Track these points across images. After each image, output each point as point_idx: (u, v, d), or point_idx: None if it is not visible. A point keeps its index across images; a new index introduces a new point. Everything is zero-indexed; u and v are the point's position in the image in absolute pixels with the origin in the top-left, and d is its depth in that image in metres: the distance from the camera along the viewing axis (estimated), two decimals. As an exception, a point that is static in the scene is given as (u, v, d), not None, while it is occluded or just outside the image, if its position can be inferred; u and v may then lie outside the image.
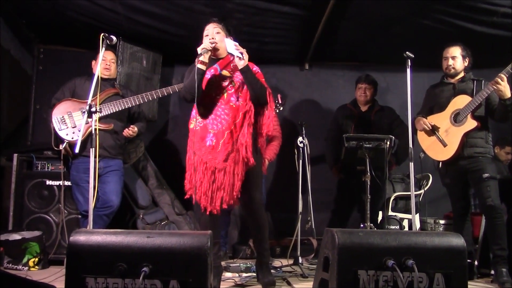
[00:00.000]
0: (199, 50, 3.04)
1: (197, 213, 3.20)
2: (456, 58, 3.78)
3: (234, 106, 3.10)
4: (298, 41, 5.01)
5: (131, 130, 3.91)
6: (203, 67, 3.03)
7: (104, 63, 3.90)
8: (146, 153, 4.93)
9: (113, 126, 3.84)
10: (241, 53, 3.00)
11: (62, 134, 3.78)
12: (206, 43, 3.09)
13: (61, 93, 3.93)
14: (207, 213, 3.07)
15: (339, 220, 4.41)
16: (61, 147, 3.79)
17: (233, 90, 3.13)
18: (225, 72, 3.18)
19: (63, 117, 3.80)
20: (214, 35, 3.17)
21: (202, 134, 3.11)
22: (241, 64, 3.02)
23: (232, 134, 3.07)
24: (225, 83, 3.15)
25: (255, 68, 3.18)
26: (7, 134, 4.75)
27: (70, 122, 3.80)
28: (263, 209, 3.32)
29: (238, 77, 3.15)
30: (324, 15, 4.26)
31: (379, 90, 4.68)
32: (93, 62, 4.00)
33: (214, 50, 3.13)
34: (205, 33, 3.20)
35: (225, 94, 3.13)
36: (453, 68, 3.78)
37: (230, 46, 3.01)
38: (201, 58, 3.02)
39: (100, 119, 3.71)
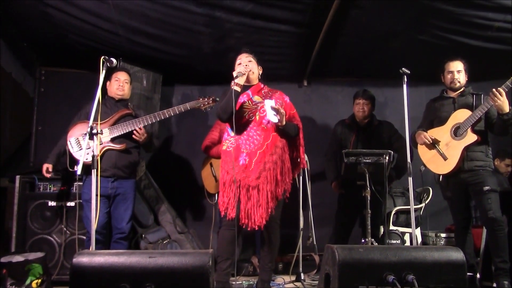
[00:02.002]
0: (234, 74, 3.30)
1: (223, 227, 3.33)
2: (460, 72, 3.84)
3: (265, 128, 3.32)
4: (297, 58, 5.06)
5: (139, 131, 3.82)
6: (238, 89, 3.25)
7: (117, 84, 3.95)
8: (147, 172, 4.95)
9: (126, 146, 3.85)
10: (277, 111, 3.23)
11: (77, 155, 3.80)
12: (241, 68, 3.36)
13: (78, 118, 3.95)
14: (249, 228, 3.22)
15: (340, 235, 4.38)
16: (76, 168, 3.82)
17: (264, 113, 3.34)
18: (256, 98, 3.41)
19: (77, 139, 3.83)
20: (247, 63, 3.44)
21: (235, 154, 3.28)
22: (279, 125, 3.28)
23: (264, 154, 3.26)
24: (257, 107, 3.36)
25: (286, 99, 3.46)
26: (9, 155, 4.78)
27: (84, 143, 3.82)
28: (278, 228, 3.43)
29: None
30: (322, 32, 4.31)
31: (377, 104, 4.68)
32: (108, 83, 4.00)
33: (247, 76, 3.36)
34: (237, 61, 3.49)
35: (257, 117, 3.34)
36: (459, 82, 3.84)
37: (269, 111, 3.26)
38: (237, 81, 3.26)
39: (114, 139, 3.80)
